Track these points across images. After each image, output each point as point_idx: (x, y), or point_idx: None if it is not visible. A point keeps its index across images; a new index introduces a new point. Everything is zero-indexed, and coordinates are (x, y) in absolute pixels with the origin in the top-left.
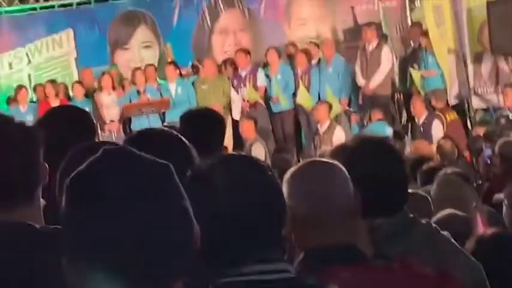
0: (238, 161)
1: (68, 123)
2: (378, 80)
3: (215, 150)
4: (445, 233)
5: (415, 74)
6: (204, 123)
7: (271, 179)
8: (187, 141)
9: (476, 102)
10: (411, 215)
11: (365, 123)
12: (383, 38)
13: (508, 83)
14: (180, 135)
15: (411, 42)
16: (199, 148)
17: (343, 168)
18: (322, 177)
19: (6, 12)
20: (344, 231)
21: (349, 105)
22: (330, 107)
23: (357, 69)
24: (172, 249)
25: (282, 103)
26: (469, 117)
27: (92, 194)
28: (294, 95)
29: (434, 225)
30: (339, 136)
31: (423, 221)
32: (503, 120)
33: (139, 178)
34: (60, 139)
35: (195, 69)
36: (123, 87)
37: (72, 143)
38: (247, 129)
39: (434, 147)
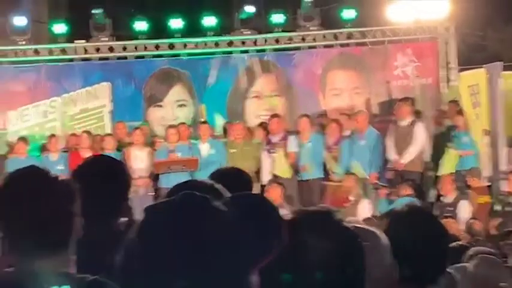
0: None
1: (104, 174)
2: (410, 156)
3: None
4: None
5: (452, 153)
6: (232, 182)
7: None
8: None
9: (504, 186)
10: None
11: (392, 198)
12: (417, 114)
13: None
14: (224, 191)
15: (445, 120)
16: None
17: (383, 237)
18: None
19: (46, 61)
20: None
21: (378, 178)
22: (358, 179)
23: (389, 143)
24: None
25: (311, 171)
26: (498, 200)
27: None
28: (324, 164)
29: None
30: (365, 209)
31: None
32: None
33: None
34: (95, 189)
35: (226, 132)
36: (153, 143)
37: (106, 193)
38: (274, 195)
39: (461, 227)
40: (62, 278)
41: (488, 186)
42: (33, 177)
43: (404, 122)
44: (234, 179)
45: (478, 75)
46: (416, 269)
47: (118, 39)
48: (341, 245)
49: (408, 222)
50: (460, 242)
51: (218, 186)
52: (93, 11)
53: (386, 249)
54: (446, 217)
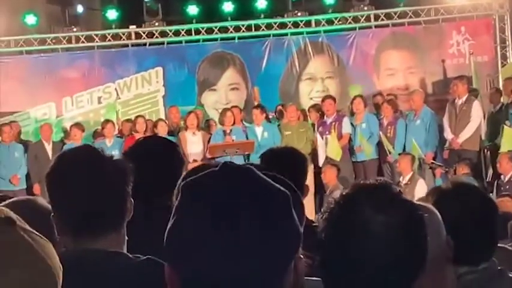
0: None
1: (156, 154)
2: (466, 135)
3: (297, 188)
4: None
5: (508, 130)
6: (285, 162)
7: None
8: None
9: None
10: (499, 267)
11: (449, 178)
12: (473, 92)
13: None
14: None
15: (501, 98)
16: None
17: (437, 213)
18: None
19: (99, 47)
20: (435, 279)
21: (434, 158)
22: (413, 159)
23: (445, 122)
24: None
25: (366, 152)
26: None
27: (203, 202)
28: (378, 145)
29: None
30: (421, 189)
31: (511, 274)
32: None
33: (256, 197)
34: (147, 170)
35: (280, 114)
36: (208, 127)
37: (162, 175)
38: (330, 176)
39: None
40: (115, 257)
41: None
42: (86, 156)
43: (461, 100)
44: (287, 158)
45: None
46: (467, 245)
47: (170, 24)
48: (402, 217)
49: (453, 198)
50: None
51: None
52: None
53: (439, 225)
54: (503, 196)
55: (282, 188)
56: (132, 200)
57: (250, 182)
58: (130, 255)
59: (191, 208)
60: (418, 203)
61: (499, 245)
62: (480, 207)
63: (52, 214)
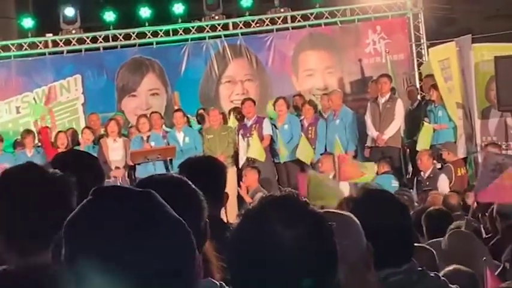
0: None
1: (78, 170)
2: (391, 132)
3: (215, 197)
4: (453, 286)
5: (427, 127)
6: (202, 171)
7: None
8: (198, 190)
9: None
10: (419, 268)
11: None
12: (393, 90)
13: None
14: (189, 183)
15: (418, 95)
16: None
17: (356, 220)
18: (336, 230)
19: (15, 56)
20: (357, 284)
21: (355, 157)
22: (335, 159)
23: (368, 120)
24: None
25: (283, 155)
26: (475, 172)
27: (86, 232)
28: (298, 146)
29: (443, 278)
30: (344, 187)
31: (432, 274)
32: None
33: (130, 209)
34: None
35: (201, 118)
36: (129, 134)
37: (83, 189)
38: (250, 179)
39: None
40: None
41: (464, 159)
42: (28, 173)
43: (384, 98)
44: (205, 168)
45: (448, 49)
46: (385, 249)
47: (87, 31)
48: (309, 229)
49: (365, 205)
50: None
51: (180, 178)
52: (60, 5)
53: (358, 232)
54: (424, 191)
55: (150, 192)
56: None
57: (124, 199)
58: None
59: (78, 243)
60: (334, 211)
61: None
62: (393, 211)
63: None
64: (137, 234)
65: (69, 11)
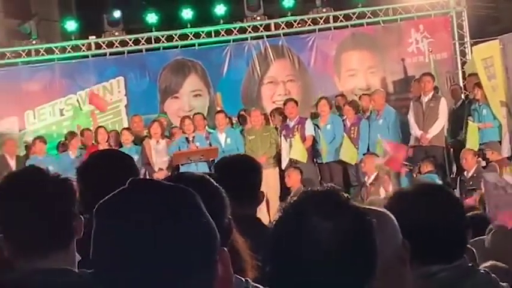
0: None
1: (109, 169)
2: (435, 131)
3: (250, 196)
4: (504, 284)
5: (473, 126)
6: (237, 170)
7: None
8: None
9: None
10: (470, 264)
11: (414, 175)
12: (436, 89)
13: None
14: (212, 181)
15: (462, 94)
16: (233, 195)
17: (392, 217)
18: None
19: (59, 59)
20: (392, 281)
21: None
22: (378, 159)
23: (411, 120)
24: (190, 269)
25: (326, 155)
26: None
27: (116, 219)
28: (341, 147)
29: (493, 275)
30: (387, 187)
31: (482, 271)
32: None
33: (160, 203)
34: (101, 185)
35: (243, 119)
36: (172, 135)
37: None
38: (293, 179)
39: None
40: (62, 273)
41: (509, 158)
42: (30, 178)
43: (427, 97)
44: (239, 167)
45: (491, 48)
46: (436, 244)
47: (130, 33)
48: (349, 223)
49: (420, 200)
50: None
51: (202, 176)
52: (105, 7)
53: (394, 228)
54: (468, 191)
55: (183, 187)
56: (82, 217)
57: (156, 193)
58: (77, 271)
59: (105, 229)
60: (370, 207)
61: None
62: (448, 206)
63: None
64: (161, 229)
65: (116, 14)
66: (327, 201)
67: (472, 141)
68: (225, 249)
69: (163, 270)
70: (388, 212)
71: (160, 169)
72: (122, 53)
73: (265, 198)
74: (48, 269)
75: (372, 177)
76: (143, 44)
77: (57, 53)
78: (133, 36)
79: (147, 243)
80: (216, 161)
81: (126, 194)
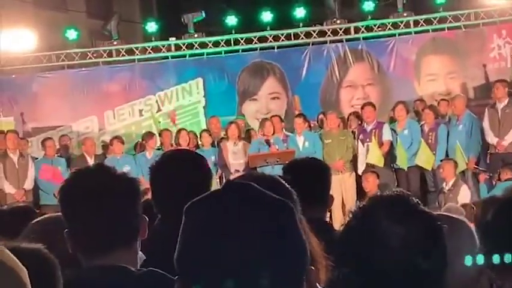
0: None
1: (180, 169)
2: (511, 138)
3: (320, 200)
4: None
5: None
6: (306, 173)
7: None
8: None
9: None
10: None
11: (494, 183)
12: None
13: None
14: (283, 182)
15: None
16: (303, 197)
17: (469, 225)
18: (447, 232)
19: (139, 60)
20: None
21: (477, 163)
22: (456, 164)
23: (487, 126)
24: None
25: (403, 160)
26: None
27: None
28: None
29: None
30: (465, 195)
31: None
32: None
33: (258, 211)
34: (171, 185)
35: (321, 123)
36: (249, 137)
37: (184, 188)
38: (371, 184)
39: None
40: (118, 271)
41: None
42: (97, 176)
43: (502, 104)
44: (308, 169)
45: None
46: None
47: (209, 35)
48: (419, 229)
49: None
50: None
51: (273, 177)
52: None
53: (470, 236)
54: None
55: (284, 200)
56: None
57: (251, 199)
58: (133, 269)
59: (196, 227)
60: (445, 213)
61: None
62: None
63: (65, 230)
64: (263, 242)
65: (197, 16)
66: (397, 206)
67: None
68: (313, 268)
69: (248, 276)
70: (465, 220)
71: (237, 171)
72: (201, 54)
73: (341, 203)
74: (106, 266)
75: (450, 183)
76: (222, 46)
77: (137, 54)
78: (213, 39)
79: (245, 253)
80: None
81: (226, 200)
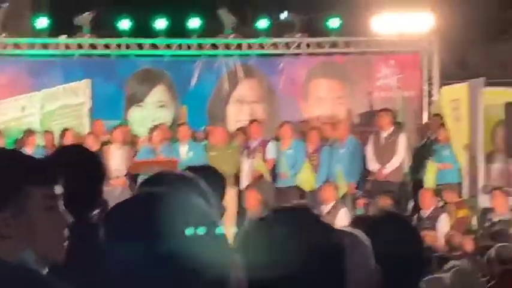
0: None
1: (81, 165)
2: (392, 167)
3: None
4: None
5: (432, 166)
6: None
7: None
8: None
9: (484, 201)
10: None
11: (370, 209)
12: (398, 125)
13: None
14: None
15: (427, 133)
16: None
17: (366, 239)
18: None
19: (26, 55)
20: None
21: (357, 188)
22: (337, 188)
23: (370, 153)
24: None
25: (285, 179)
26: (476, 215)
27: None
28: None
29: None
30: (343, 218)
31: None
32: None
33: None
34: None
35: (207, 135)
36: (134, 143)
37: (81, 183)
38: (252, 200)
39: (439, 241)
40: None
41: (466, 200)
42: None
43: (386, 132)
44: (204, 176)
45: (460, 90)
46: (394, 273)
47: (101, 37)
48: (320, 240)
49: (385, 227)
50: (439, 254)
51: (190, 175)
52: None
53: (368, 251)
54: (424, 229)
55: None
56: None
57: (167, 203)
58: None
59: (118, 233)
60: (345, 228)
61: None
62: (409, 236)
63: None
64: None
65: (89, 16)
66: (299, 217)
67: (430, 180)
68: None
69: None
70: (362, 234)
71: (117, 177)
72: (91, 55)
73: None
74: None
75: (329, 206)
76: (113, 49)
77: (25, 49)
78: (104, 41)
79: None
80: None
81: (137, 201)
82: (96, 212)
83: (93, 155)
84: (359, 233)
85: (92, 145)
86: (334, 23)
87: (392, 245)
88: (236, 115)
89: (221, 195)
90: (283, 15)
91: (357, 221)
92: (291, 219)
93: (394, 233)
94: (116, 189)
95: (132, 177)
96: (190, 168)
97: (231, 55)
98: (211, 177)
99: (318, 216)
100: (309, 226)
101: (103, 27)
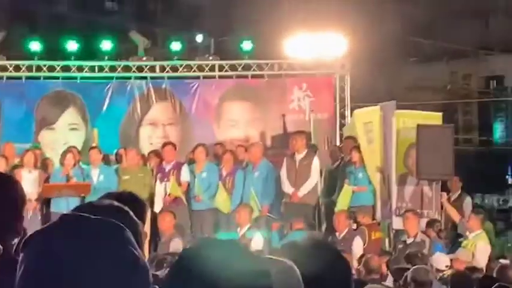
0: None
1: None
2: (307, 189)
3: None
4: None
5: (347, 189)
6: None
7: None
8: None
9: (397, 223)
10: None
11: (285, 232)
12: (312, 148)
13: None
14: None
15: (340, 155)
16: None
17: (296, 269)
18: (276, 277)
19: None
20: None
21: (270, 211)
22: (252, 210)
23: (284, 176)
24: None
25: (200, 202)
26: (389, 237)
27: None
28: (215, 195)
29: None
30: (257, 242)
31: None
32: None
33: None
34: None
35: (119, 158)
36: (45, 166)
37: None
38: (166, 223)
39: (353, 263)
40: None
41: (379, 223)
42: None
43: (301, 155)
44: (124, 204)
45: (372, 113)
46: None
47: (10, 59)
48: (249, 272)
49: (314, 255)
50: (356, 278)
51: (119, 205)
52: None
53: (299, 280)
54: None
55: (112, 221)
56: None
57: (86, 230)
58: None
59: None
60: (278, 258)
61: None
62: (337, 263)
63: None
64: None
65: None
66: (228, 249)
67: (343, 202)
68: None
69: None
70: (292, 264)
71: (29, 200)
72: (1, 77)
73: None
74: None
75: (244, 229)
76: (24, 71)
77: None
78: (14, 62)
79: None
80: (87, 198)
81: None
82: (15, 240)
83: (11, 179)
84: (287, 261)
85: (2, 168)
86: (247, 45)
87: (321, 273)
88: (149, 138)
89: (144, 222)
90: (198, 38)
91: (284, 249)
92: (221, 249)
93: (322, 261)
94: (26, 213)
95: (44, 201)
96: (109, 195)
97: (143, 77)
98: (133, 204)
99: (247, 247)
100: (237, 257)
101: (13, 49)
